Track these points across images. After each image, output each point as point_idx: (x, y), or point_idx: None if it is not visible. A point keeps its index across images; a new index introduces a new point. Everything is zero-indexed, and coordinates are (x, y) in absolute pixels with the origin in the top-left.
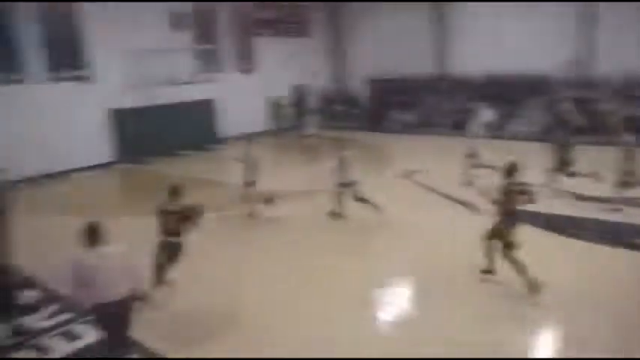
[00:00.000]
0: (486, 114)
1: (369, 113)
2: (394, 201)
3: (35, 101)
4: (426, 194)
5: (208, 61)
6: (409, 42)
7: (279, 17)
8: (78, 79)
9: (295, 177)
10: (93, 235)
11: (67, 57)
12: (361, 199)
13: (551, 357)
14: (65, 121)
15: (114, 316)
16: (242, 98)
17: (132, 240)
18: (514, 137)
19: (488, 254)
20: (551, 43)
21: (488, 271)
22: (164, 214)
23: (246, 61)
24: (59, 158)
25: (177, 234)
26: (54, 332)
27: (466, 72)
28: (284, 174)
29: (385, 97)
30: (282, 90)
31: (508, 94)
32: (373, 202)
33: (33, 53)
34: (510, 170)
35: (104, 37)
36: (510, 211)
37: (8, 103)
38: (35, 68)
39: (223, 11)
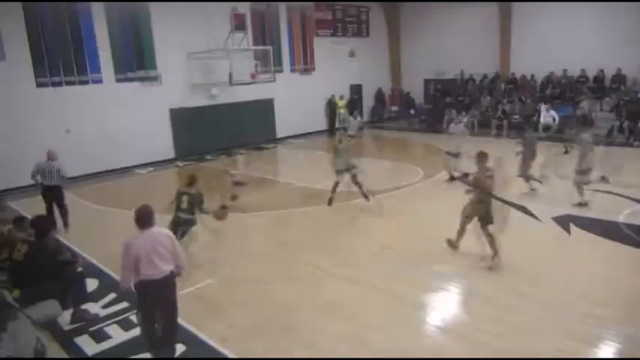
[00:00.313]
0: (547, 115)
1: (425, 114)
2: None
3: (106, 101)
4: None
5: (267, 61)
6: (467, 42)
7: (338, 17)
8: (144, 79)
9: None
10: (142, 218)
11: (134, 58)
12: (356, 183)
13: (558, 357)
14: (130, 120)
15: (157, 293)
16: (300, 98)
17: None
18: (574, 140)
19: (461, 230)
20: (617, 43)
21: (454, 246)
22: (179, 195)
23: (304, 61)
24: (124, 154)
25: (191, 212)
26: (112, 320)
27: (526, 73)
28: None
29: (442, 98)
30: (339, 90)
31: (571, 95)
32: (365, 189)
33: (104, 55)
34: (480, 159)
35: (169, 38)
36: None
37: (82, 102)
38: (106, 69)
39: (283, 11)
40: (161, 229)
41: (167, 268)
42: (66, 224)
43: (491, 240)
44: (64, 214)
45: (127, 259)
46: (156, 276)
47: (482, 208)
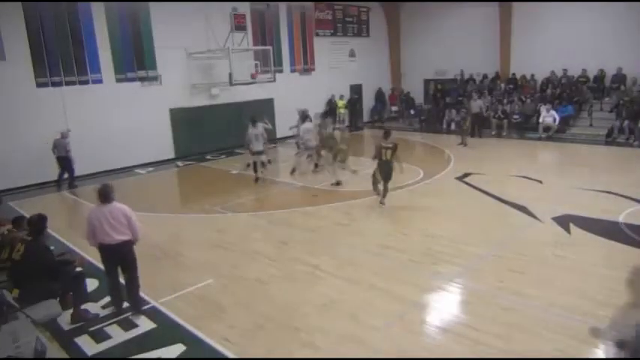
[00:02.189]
0: (547, 116)
1: (425, 114)
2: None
3: (106, 101)
4: (479, 196)
5: (268, 61)
6: (467, 42)
7: (338, 17)
8: (144, 79)
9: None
10: (103, 194)
11: (134, 58)
12: (253, 165)
13: (558, 357)
14: (130, 120)
15: (113, 255)
16: (300, 98)
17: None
18: (574, 140)
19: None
20: (617, 42)
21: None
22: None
23: (305, 61)
24: (124, 154)
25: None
26: (112, 320)
27: (527, 73)
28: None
29: (442, 98)
30: (339, 90)
31: (571, 95)
32: (262, 173)
33: (104, 55)
34: (385, 134)
35: (169, 38)
36: (383, 160)
37: (82, 102)
38: (106, 69)
39: (283, 11)
40: (119, 205)
41: (120, 237)
42: (71, 182)
43: (386, 190)
44: (70, 175)
45: (87, 224)
46: (110, 242)
47: (383, 170)
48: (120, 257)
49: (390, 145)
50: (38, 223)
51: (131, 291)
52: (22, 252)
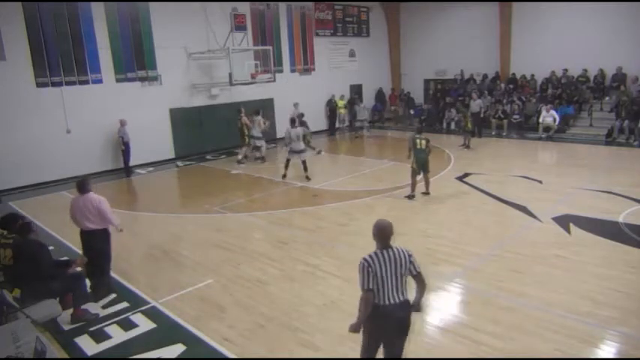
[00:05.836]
0: (547, 115)
1: (425, 114)
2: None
3: (106, 101)
4: (479, 196)
5: (267, 61)
6: (467, 42)
7: (338, 17)
8: (144, 79)
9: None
10: (79, 186)
11: (134, 58)
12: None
13: (558, 357)
14: (130, 120)
15: (85, 241)
16: (300, 98)
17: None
18: (574, 140)
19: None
20: (617, 42)
21: (412, 196)
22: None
23: (305, 61)
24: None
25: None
26: (112, 320)
27: (527, 73)
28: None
29: (442, 98)
30: (339, 90)
31: (571, 95)
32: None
33: (104, 55)
34: (418, 130)
35: (169, 38)
36: (418, 149)
37: (82, 102)
38: (106, 69)
39: (283, 11)
40: (93, 196)
41: (91, 225)
42: (126, 170)
43: (427, 181)
44: (125, 162)
45: (70, 212)
46: (83, 229)
47: (419, 158)
48: (89, 244)
49: (423, 137)
50: (21, 225)
51: (96, 281)
52: (9, 256)
